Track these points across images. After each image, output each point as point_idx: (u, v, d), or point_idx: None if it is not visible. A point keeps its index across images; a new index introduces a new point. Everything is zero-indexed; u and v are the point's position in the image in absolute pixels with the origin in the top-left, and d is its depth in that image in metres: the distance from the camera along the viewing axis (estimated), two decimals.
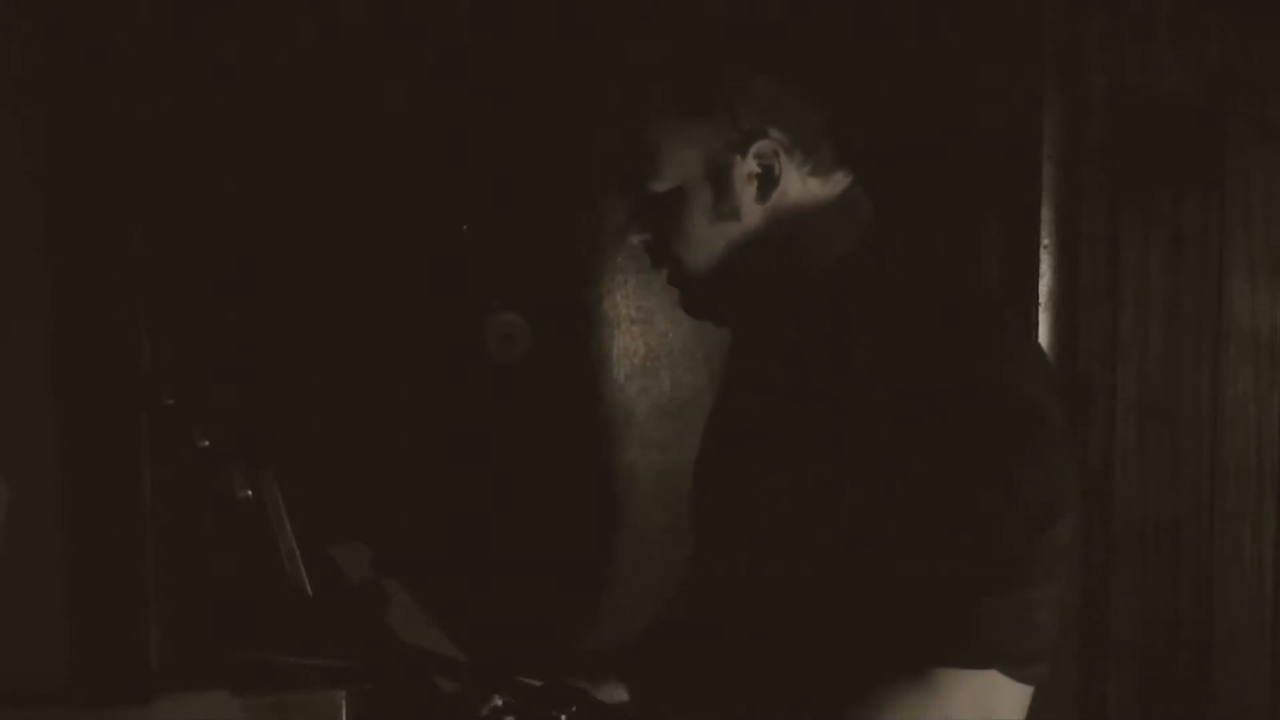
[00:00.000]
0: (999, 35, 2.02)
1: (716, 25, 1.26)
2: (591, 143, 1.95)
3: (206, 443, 1.59)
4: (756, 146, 1.23)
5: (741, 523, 1.30)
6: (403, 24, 1.96)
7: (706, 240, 1.26)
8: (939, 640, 1.13)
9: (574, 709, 1.25)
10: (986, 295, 1.31)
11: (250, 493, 1.51)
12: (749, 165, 1.24)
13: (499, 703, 1.36)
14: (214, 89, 1.91)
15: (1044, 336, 2.02)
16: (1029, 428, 1.15)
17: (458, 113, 1.99)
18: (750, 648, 1.28)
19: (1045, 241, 2.01)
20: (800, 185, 1.26)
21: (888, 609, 1.15)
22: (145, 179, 1.87)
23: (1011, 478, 1.13)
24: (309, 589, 1.49)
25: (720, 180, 1.24)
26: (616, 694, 1.46)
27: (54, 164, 1.82)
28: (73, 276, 1.85)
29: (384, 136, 1.98)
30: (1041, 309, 2.02)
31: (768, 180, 1.25)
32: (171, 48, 1.88)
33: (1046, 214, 2.01)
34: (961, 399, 1.14)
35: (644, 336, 2.11)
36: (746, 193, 1.25)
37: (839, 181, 1.28)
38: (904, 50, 2.02)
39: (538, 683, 1.30)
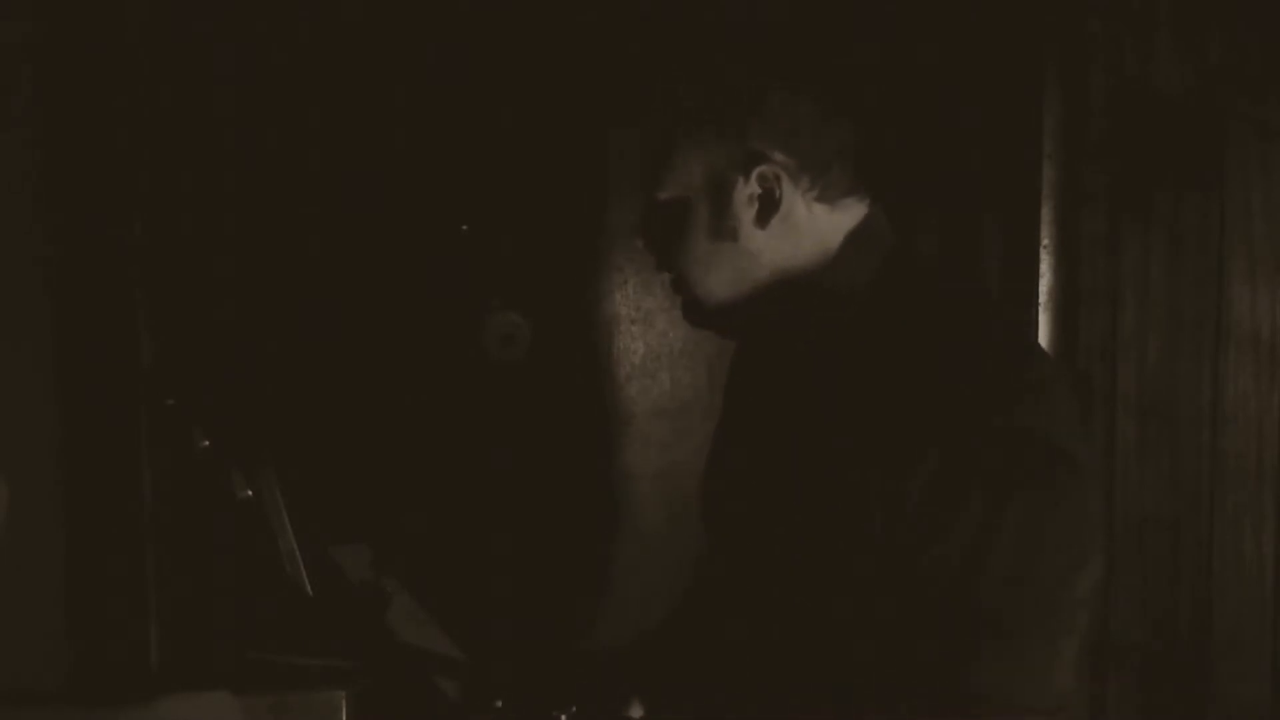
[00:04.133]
0: (999, 35, 2.01)
1: (733, 36, 1.25)
2: (599, 144, 1.95)
3: (206, 443, 1.59)
4: (758, 169, 1.23)
5: (754, 538, 1.29)
6: (403, 24, 1.96)
7: (705, 255, 1.26)
8: (973, 689, 1.11)
9: (574, 709, 1.25)
10: (1011, 321, 1.28)
11: (250, 493, 1.51)
12: (750, 187, 1.23)
13: (499, 703, 1.37)
14: (214, 87, 1.90)
15: (1044, 336, 2.02)
16: (1053, 474, 1.12)
17: (459, 113, 1.99)
18: (763, 660, 1.27)
19: (1045, 241, 2.01)
20: (805, 211, 1.25)
21: (917, 652, 1.13)
22: (145, 178, 1.87)
23: (1037, 526, 1.11)
24: (309, 589, 1.49)
25: (720, 198, 1.24)
26: (618, 694, 1.46)
27: (54, 163, 1.82)
28: (73, 275, 1.84)
29: (385, 136, 1.97)
30: (1041, 309, 2.02)
31: (768, 204, 1.24)
32: (171, 46, 1.87)
33: (1046, 214, 2.01)
34: (984, 440, 1.11)
35: (644, 336, 2.11)
36: (746, 214, 1.24)
37: (852, 208, 1.27)
38: (904, 50, 2.02)
39: (538, 683, 1.30)
